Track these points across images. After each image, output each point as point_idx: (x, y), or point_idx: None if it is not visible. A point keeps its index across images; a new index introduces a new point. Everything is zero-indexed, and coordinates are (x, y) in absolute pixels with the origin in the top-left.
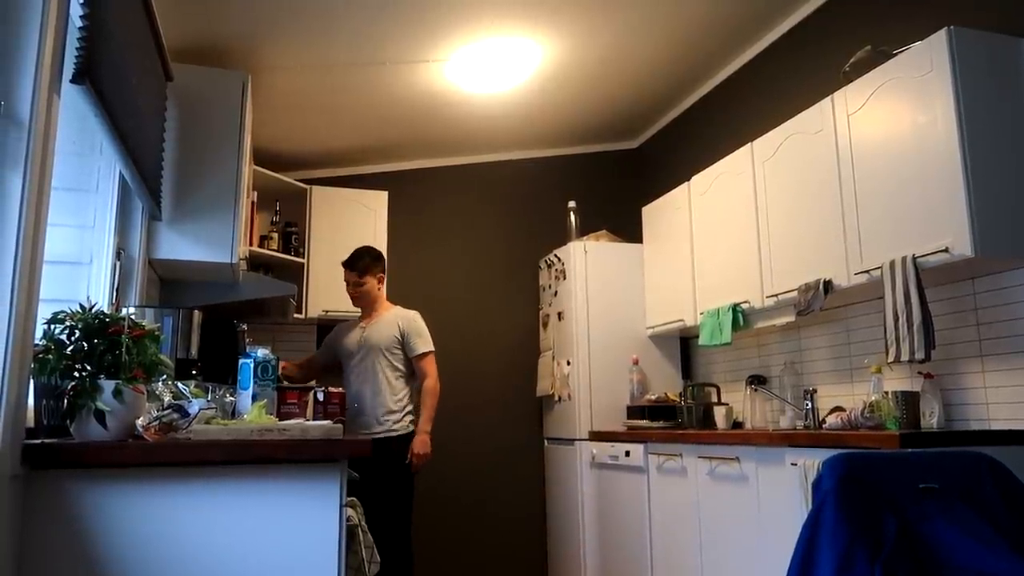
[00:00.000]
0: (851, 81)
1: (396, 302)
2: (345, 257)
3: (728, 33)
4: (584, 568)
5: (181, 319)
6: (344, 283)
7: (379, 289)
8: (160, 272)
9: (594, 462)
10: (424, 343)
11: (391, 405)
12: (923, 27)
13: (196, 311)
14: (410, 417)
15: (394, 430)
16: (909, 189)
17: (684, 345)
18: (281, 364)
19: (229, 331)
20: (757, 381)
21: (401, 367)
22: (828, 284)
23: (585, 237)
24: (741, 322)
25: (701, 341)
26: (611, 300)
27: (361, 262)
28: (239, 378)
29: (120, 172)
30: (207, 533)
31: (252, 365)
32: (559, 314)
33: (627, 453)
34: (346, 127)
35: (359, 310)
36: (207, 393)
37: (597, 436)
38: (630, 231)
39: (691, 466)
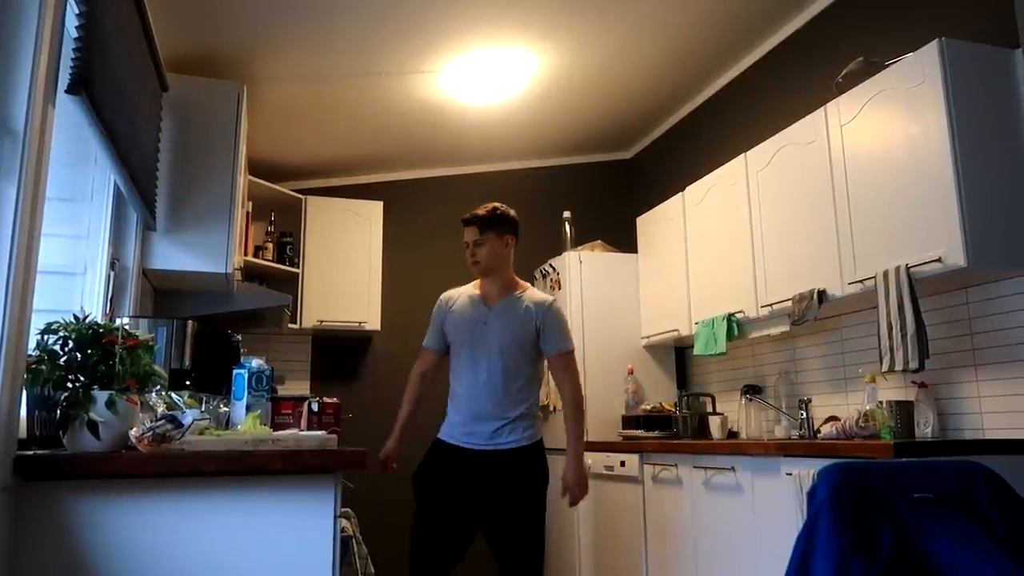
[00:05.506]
0: (844, 92)
1: (391, 312)
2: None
3: (722, 44)
4: None
5: (175, 329)
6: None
7: (506, 254)
8: (154, 282)
9: (589, 472)
10: (568, 339)
11: (524, 410)
12: (915, 39)
13: (190, 321)
14: (537, 426)
15: (530, 439)
16: (902, 199)
17: (679, 355)
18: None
19: (223, 341)
20: (752, 391)
21: (535, 365)
22: (822, 294)
23: (580, 247)
24: (736, 332)
25: (696, 351)
26: (606, 310)
27: (482, 216)
28: (233, 388)
29: (115, 182)
30: (200, 544)
31: (246, 375)
32: None
33: (622, 463)
34: (341, 137)
35: (459, 284)
36: (201, 404)
37: (592, 446)
38: (625, 241)
39: (686, 476)
